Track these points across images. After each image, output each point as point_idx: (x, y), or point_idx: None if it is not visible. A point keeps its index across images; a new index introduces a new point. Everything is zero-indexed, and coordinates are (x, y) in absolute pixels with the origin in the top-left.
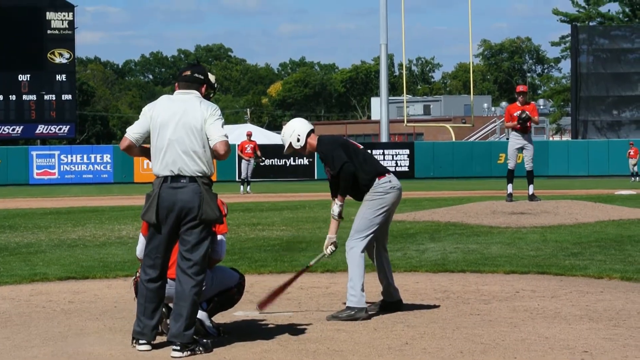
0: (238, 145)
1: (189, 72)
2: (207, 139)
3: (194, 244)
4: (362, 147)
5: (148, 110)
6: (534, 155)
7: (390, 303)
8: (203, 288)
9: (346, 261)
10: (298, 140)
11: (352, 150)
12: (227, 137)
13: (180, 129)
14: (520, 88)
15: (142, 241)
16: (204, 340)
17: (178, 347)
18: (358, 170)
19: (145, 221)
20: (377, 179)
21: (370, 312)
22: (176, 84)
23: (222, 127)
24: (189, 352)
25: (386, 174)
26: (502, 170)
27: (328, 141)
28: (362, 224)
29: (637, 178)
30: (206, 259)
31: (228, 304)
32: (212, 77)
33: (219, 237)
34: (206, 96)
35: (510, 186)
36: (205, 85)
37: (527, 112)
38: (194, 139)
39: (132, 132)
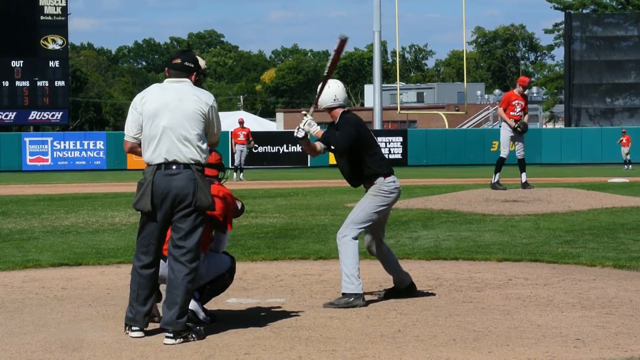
0: (231, 132)
1: (179, 60)
2: (207, 129)
3: (187, 231)
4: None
5: (138, 103)
6: (525, 143)
7: (403, 289)
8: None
9: (338, 249)
10: (335, 100)
11: (368, 137)
12: (218, 137)
13: (175, 117)
14: (526, 81)
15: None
16: (197, 327)
17: (171, 335)
18: (365, 158)
19: (138, 209)
20: (383, 177)
21: (379, 297)
22: (166, 70)
23: (217, 124)
24: (181, 339)
25: (391, 174)
26: (495, 158)
27: (351, 121)
28: (360, 216)
29: (630, 166)
30: (199, 246)
31: (220, 290)
32: (202, 62)
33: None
34: (197, 82)
35: (498, 175)
36: (195, 73)
37: (526, 124)
38: (189, 127)
39: (130, 133)
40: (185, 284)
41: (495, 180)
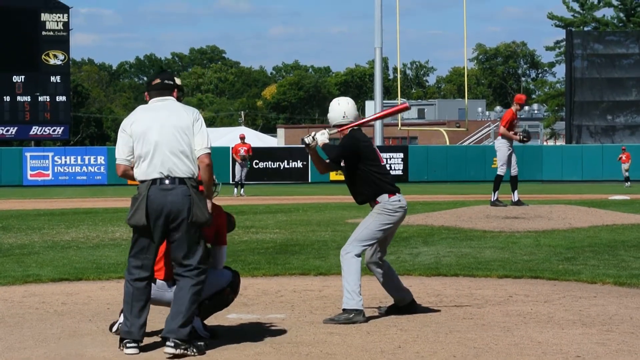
0: (232, 148)
1: (158, 80)
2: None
3: (189, 248)
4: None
5: (127, 125)
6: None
7: (404, 307)
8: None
9: (341, 265)
10: (344, 117)
11: (371, 152)
12: (210, 149)
13: (166, 131)
14: (522, 98)
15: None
16: (198, 343)
17: (172, 344)
18: (368, 174)
19: (132, 225)
20: (387, 196)
21: (380, 313)
22: (146, 94)
23: (207, 136)
24: (182, 350)
25: (396, 193)
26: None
27: (355, 135)
28: (364, 234)
29: (629, 183)
30: (205, 259)
31: (222, 305)
32: (178, 81)
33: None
34: (177, 99)
35: (497, 192)
36: (175, 90)
37: (528, 132)
38: (181, 140)
39: (122, 156)
40: (191, 294)
41: (495, 198)
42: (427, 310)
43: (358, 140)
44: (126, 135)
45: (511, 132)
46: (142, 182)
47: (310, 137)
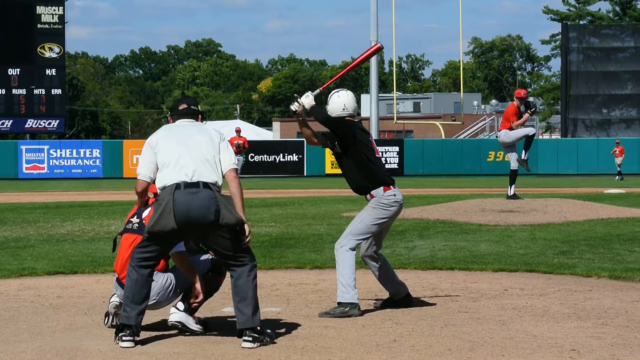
0: (227, 141)
1: (185, 105)
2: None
3: (233, 252)
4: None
5: (154, 142)
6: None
7: (399, 300)
8: (169, 290)
9: (335, 259)
10: (344, 109)
11: (367, 140)
12: (237, 165)
13: (193, 141)
14: (521, 92)
15: (119, 288)
16: (267, 331)
17: (250, 338)
18: (363, 164)
19: (157, 231)
20: (383, 189)
21: (375, 307)
22: (169, 118)
23: (233, 155)
24: (259, 343)
25: (392, 187)
26: (491, 168)
27: (354, 122)
28: (359, 227)
29: (621, 177)
30: (248, 250)
31: (211, 290)
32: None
33: (205, 257)
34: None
35: (514, 187)
36: (200, 116)
37: (531, 102)
38: (207, 150)
39: (144, 172)
40: (251, 280)
41: (512, 193)
42: (422, 303)
43: (358, 128)
44: (150, 151)
45: (518, 126)
46: (163, 188)
47: (296, 103)
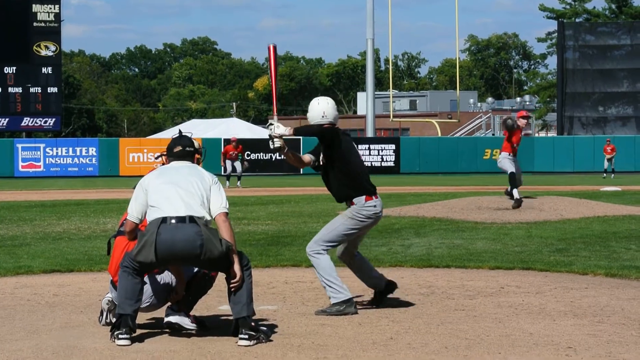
0: (223, 148)
1: (180, 148)
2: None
3: (225, 270)
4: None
5: (144, 180)
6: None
7: (383, 291)
8: (162, 292)
9: (312, 263)
10: (323, 116)
11: (352, 147)
12: (227, 209)
13: (185, 180)
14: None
15: (113, 290)
16: (262, 328)
17: (246, 336)
18: (346, 170)
19: (140, 261)
20: (365, 199)
21: (370, 301)
22: (165, 158)
23: (225, 198)
24: (255, 341)
25: (374, 197)
26: (487, 166)
27: (336, 129)
28: (331, 234)
29: (612, 175)
30: (243, 256)
31: (204, 287)
32: (196, 143)
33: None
34: (197, 161)
35: (517, 190)
36: (195, 155)
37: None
38: (198, 189)
39: (134, 214)
40: (246, 276)
41: (517, 197)
42: (418, 301)
43: (343, 135)
44: (142, 192)
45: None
46: (151, 221)
47: (275, 140)
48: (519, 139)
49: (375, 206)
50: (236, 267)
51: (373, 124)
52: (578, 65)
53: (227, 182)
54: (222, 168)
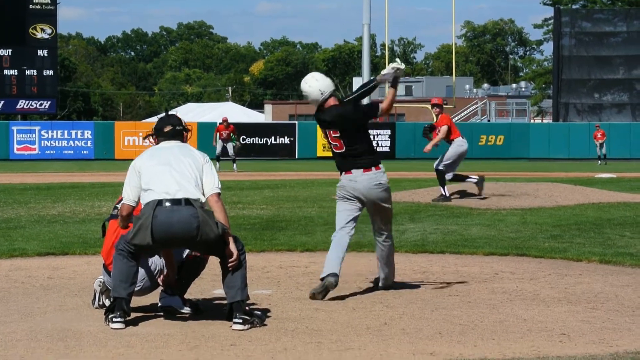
0: (216, 128)
1: (170, 127)
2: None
3: (221, 255)
4: None
5: (137, 162)
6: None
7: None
8: (155, 275)
9: (385, 249)
10: (321, 93)
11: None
12: (220, 189)
13: (179, 161)
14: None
15: (106, 274)
16: (258, 313)
17: (240, 320)
18: (369, 142)
19: (136, 244)
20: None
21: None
22: (155, 138)
23: (217, 178)
24: (249, 325)
25: (352, 171)
26: (483, 152)
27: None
28: (391, 212)
29: (605, 161)
30: (238, 241)
31: (196, 269)
32: (183, 122)
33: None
34: (185, 138)
35: (446, 187)
36: (184, 133)
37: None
38: (191, 170)
39: (129, 196)
40: (241, 260)
41: (448, 194)
42: (413, 287)
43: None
44: (135, 174)
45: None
46: (147, 204)
47: (390, 71)
48: (436, 134)
49: (350, 180)
50: (232, 247)
51: None
52: (574, 52)
53: (217, 163)
54: (215, 148)
